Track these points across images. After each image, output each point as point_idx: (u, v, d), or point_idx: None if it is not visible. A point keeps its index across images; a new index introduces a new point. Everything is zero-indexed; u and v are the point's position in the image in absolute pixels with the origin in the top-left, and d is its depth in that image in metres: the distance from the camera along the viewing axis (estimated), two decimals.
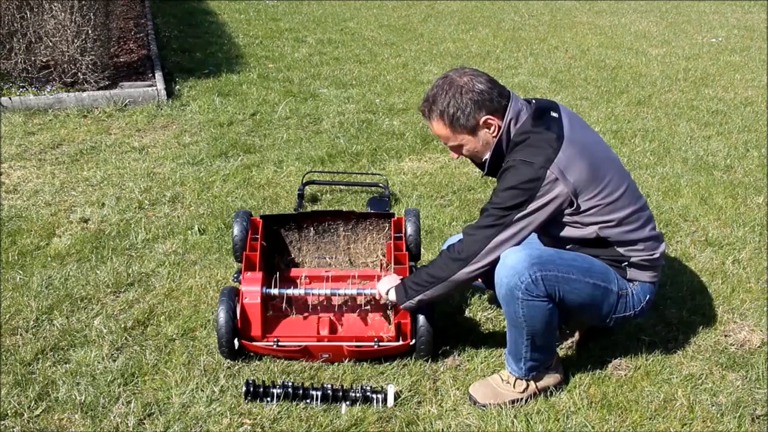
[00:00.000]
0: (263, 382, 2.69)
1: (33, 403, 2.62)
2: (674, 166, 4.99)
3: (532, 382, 2.70)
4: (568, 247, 2.63)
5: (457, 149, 2.63)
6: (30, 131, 5.34)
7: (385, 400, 2.64)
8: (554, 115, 2.58)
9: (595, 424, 2.59)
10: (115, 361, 2.87)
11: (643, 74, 7.56)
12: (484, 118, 2.51)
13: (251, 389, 2.63)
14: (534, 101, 2.63)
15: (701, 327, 3.16)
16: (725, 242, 3.91)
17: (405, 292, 2.72)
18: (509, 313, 2.54)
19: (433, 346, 2.86)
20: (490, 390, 2.70)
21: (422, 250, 3.36)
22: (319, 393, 2.64)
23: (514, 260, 2.47)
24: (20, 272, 3.46)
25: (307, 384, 2.72)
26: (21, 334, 3.02)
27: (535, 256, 2.47)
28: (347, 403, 2.63)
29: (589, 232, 2.56)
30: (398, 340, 2.88)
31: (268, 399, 2.63)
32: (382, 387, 2.69)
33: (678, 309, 3.28)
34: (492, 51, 8.39)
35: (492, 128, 2.54)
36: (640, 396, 2.73)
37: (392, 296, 2.78)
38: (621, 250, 2.61)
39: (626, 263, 2.63)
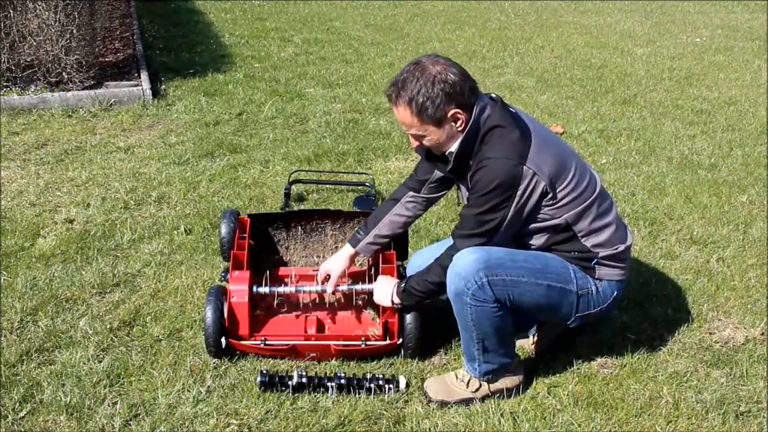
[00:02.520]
0: (276, 372, 2.70)
1: (18, 405, 2.61)
2: (659, 165, 5.02)
3: (485, 383, 2.68)
4: (539, 240, 2.60)
5: (419, 138, 2.54)
6: (14, 131, 5.30)
7: (397, 388, 2.67)
8: (512, 110, 2.57)
9: (582, 422, 2.60)
10: (100, 362, 2.85)
11: (629, 73, 7.61)
12: (452, 112, 2.44)
13: (266, 380, 2.64)
14: (495, 96, 2.58)
15: (686, 325, 3.18)
16: (710, 240, 3.94)
17: (411, 295, 2.72)
18: (459, 315, 2.54)
19: (420, 345, 2.87)
20: (444, 387, 2.69)
21: (409, 249, 3.37)
22: (334, 384, 2.65)
23: (462, 265, 2.46)
24: (5, 273, 3.43)
25: (321, 374, 2.73)
26: (5, 336, 2.99)
27: (483, 259, 2.44)
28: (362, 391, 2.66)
29: (560, 220, 2.54)
30: (385, 339, 2.89)
31: (283, 389, 2.64)
32: (393, 376, 2.71)
33: (663, 307, 3.31)
34: (478, 50, 8.41)
35: (459, 122, 2.47)
36: (626, 394, 2.75)
37: (396, 299, 2.76)
38: (587, 243, 2.58)
39: (595, 260, 2.60)
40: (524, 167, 2.42)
